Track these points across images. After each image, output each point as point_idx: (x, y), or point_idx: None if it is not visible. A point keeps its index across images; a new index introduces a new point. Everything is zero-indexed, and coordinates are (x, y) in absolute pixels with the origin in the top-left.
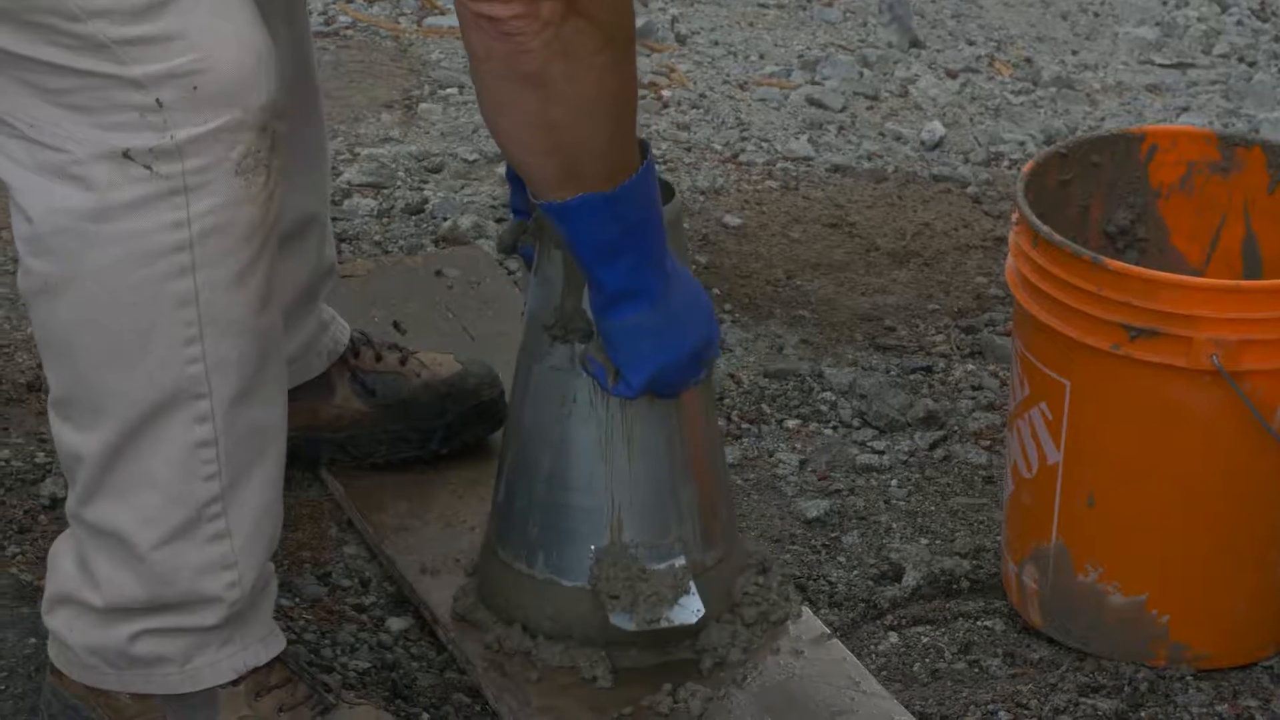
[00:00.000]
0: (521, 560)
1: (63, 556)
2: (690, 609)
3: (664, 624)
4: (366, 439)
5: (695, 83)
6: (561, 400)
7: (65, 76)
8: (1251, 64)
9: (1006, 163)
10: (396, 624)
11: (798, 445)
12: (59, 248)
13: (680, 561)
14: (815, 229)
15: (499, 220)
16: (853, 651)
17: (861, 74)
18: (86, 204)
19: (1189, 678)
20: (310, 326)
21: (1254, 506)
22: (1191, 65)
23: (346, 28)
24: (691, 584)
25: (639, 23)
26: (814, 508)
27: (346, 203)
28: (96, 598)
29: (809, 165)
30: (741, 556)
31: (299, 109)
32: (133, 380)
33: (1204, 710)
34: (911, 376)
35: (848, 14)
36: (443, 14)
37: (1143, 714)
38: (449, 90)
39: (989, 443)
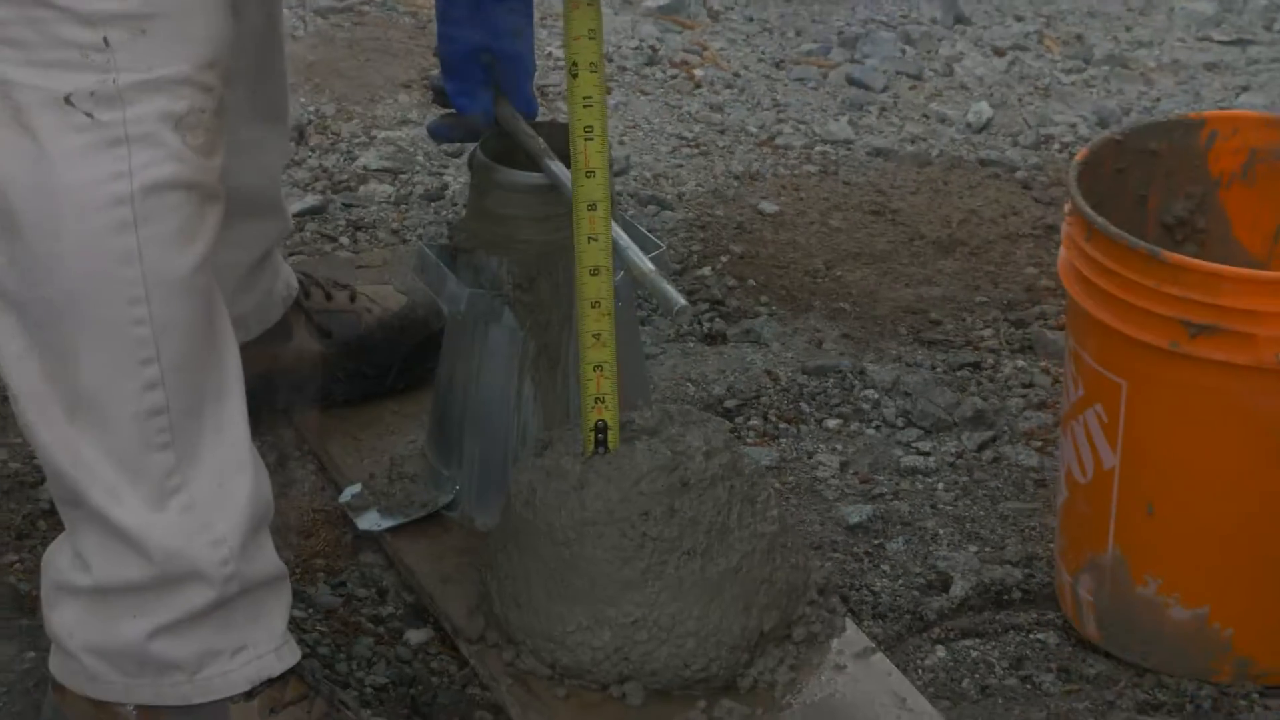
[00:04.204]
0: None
1: (57, 553)
2: (364, 522)
3: (351, 515)
4: (325, 379)
5: (729, 61)
6: None
7: (7, 4)
8: None
9: (1057, 145)
10: (416, 636)
11: (838, 446)
12: (4, 201)
13: (434, 497)
14: (856, 216)
15: None
16: (898, 666)
17: (904, 52)
18: (30, 153)
19: (1254, 695)
20: (268, 277)
21: None
22: (1252, 42)
23: (363, 3)
24: (388, 520)
25: None
26: (856, 513)
27: (363, 189)
28: (87, 578)
29: (849, 148)
30: None
31: (260, 65)
32: (77, 346)
33: None
34: (958, 373)
35: None
36: None
37: None
38: None
39: (1041, 443)
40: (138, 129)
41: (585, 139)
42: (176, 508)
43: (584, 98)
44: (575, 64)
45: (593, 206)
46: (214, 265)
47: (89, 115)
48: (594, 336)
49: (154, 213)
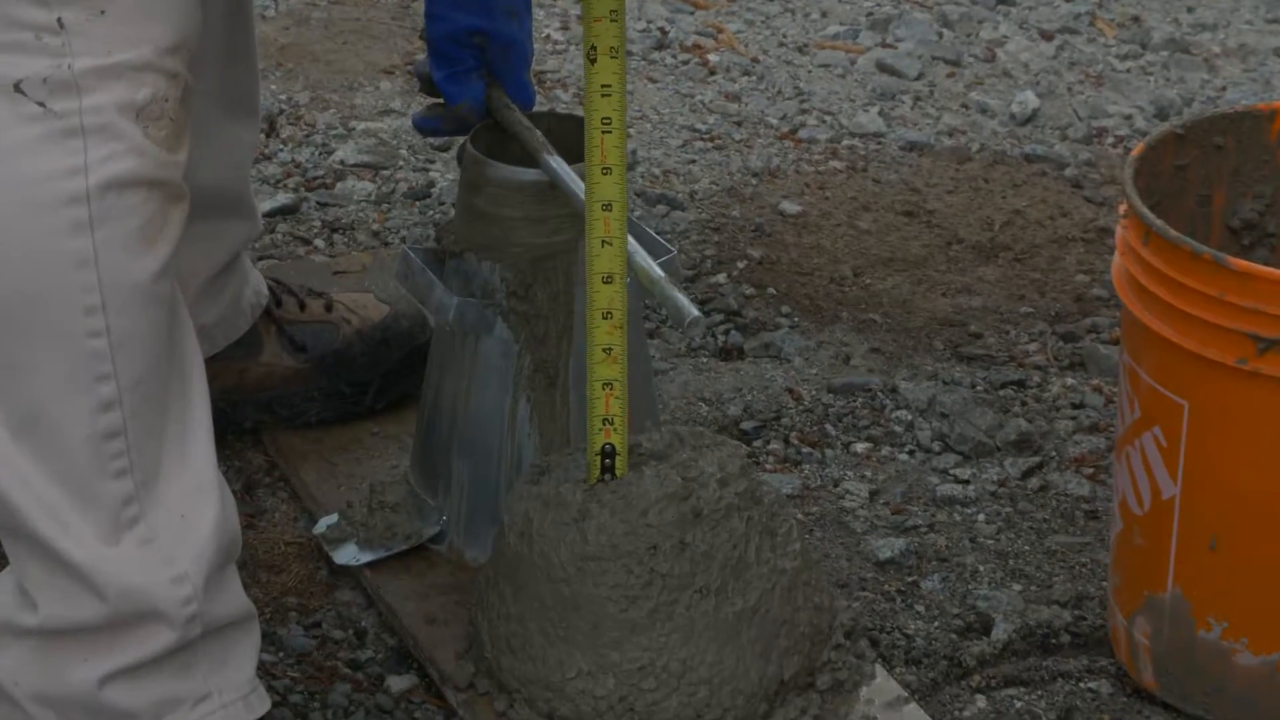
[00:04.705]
0: None
1: (1, 590)
2: (341, 556)
3: (327, 548)
4: (297, 397)
5: (747, 45)
6: None
7: None
8: None
9: (1111, 140)
10: (398, 683)
11: (868, 473)
12: None
13: (418, 528)
14: (887, 218)
15: None
16: (934, 718)
17: (941, 35)
18: None
19: None
20: (235, 283)
21: None
22: None
23: None
24: (368, 553)
25: None
26: (887, 547)
27: (340, 186)
28: (32, 618)
29: (879, 142)
30: None
31: (228, 49)
32: (24, 358)
33: None
34: (1001, 392)
35: None
36: None
37: None
38: None
39: (1092, 471)
40: (95, 119)
41: (603, 131)
42: (133, 540)
43: (602, 86)
44: (594, 48)
45: (608, 207)
46: (177, 271)
47: (41, 104)
48: (604, 351)
49: (112, 212)
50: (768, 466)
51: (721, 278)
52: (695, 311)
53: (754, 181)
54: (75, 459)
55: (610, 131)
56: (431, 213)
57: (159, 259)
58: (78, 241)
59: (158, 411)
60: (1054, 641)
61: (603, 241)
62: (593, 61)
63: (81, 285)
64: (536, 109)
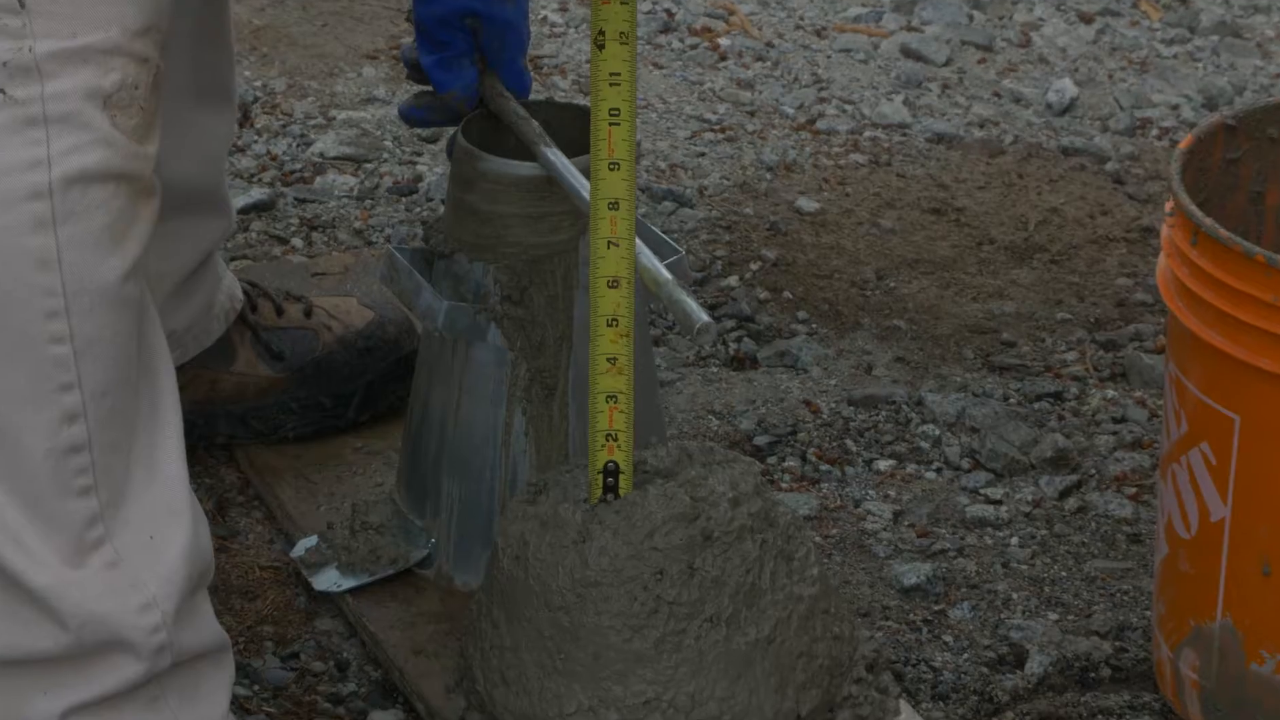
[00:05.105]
0: None
1: None
2: (321, 582)
3: (305, 573)
4: (273, 410)
5: (761, 28)
6: None
7: None
8: None
9: (1155, 131)
10: (382, 719)
11: (891, 493)
12: None
13: (404, 551)
14: (913, 215)
15: None
16: None
17: (971, 17)
18: None
19: None
20: (207, 286)
21: None
22: None
23: None
24: (350, 579)
25: None
26: (912, 573)
27: (319, 180)
28: None
29: (904, 134)
30: None
31: (201, 31)
32: None
33: None
34: (1036, 405)
35: None
36: None
37: None
38: None
39: (1135, 490)
40: (58, 107)
41: (610, 123)
42: (98, 564)
43: (611, 74)
44: (602, 32)
45: (614, 205)
46: (146, 272)
47: (0, 91)
48: (609, 361)
49: (77, 208)
50: (783, 485)
51: (733, 280)
52: (705, 317)
53: (768, 176)
54: (35, 475)
55: (619, 124)
56: (419, 209)
57: (127, 259)
58: (39, 239)
59: (125, 424)
60: (1093, 675)
61: (608, 243)
62: (600, 47)
63: (43, 287)
64: (533, 97)
